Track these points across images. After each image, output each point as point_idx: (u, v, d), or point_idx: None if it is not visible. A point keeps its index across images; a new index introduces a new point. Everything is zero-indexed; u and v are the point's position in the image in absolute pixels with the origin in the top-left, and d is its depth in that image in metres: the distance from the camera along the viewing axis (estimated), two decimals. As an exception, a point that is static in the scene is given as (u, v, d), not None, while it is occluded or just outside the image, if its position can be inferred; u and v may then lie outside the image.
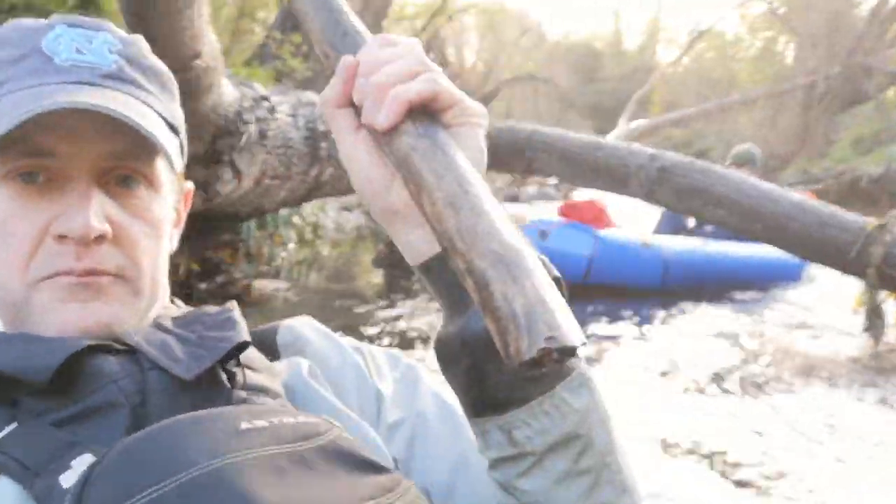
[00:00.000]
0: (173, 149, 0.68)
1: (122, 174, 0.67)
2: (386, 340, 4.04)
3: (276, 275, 5.40)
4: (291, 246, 6.07)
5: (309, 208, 6.40)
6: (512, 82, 24.07)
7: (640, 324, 4.65)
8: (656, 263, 5.37)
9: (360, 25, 0.71)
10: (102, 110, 0.62)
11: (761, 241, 4.34)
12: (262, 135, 4.02)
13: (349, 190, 5.54)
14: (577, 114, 24.57)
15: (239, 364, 0.64)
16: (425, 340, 4.12)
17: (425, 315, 4.65)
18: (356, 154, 0.63)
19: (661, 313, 4.95)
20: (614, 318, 4.74)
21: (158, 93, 0.71)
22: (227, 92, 3.63)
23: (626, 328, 4.56)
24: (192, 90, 3.20)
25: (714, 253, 5.67)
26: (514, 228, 0.54)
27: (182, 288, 4.33)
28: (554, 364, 0.48)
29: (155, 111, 0.68)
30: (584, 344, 0.48)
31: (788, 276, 5.77)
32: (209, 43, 3.02)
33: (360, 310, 4.70)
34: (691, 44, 20.07)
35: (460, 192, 0.55)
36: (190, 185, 0.79)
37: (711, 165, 4.70)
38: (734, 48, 21.93)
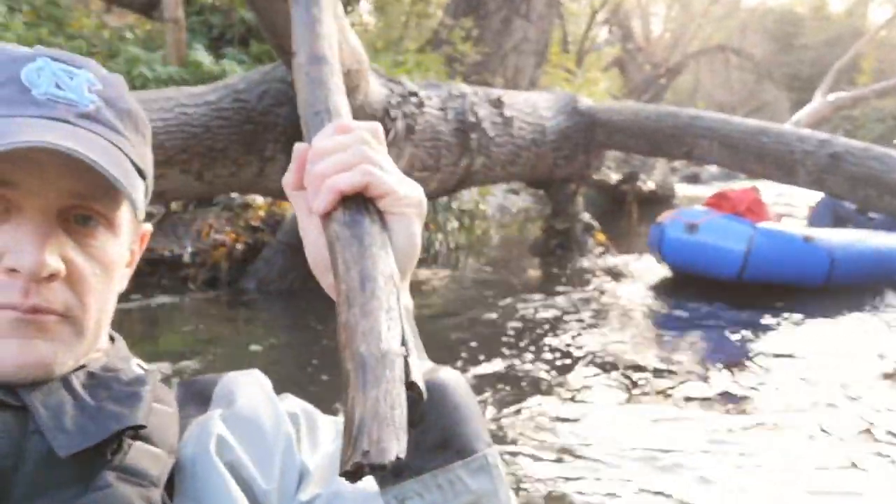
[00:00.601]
0: (138, 194, 0.69)
1: (83, 214, 0.67)
2: (529, 333, 4.05)
3: (433, 261, 5.54)
4: (449, 233, 6.20)
5: (469, 194, 6.49)
6: (700, 54, 22.95)
7: (802, 326, 4.36)
8: (821, 259, 4.98)
9: (336, 104, 0.77)
10: (73, 154, 0.62)
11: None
12: (410, 129, 4.14)
13: (502, 179, 5.59)
14: (774, 85, 23.04)
15: (131, 439, 0.65)
16: (572, 334, 4.10)
17: (576, 310, 4.62)
18: (309, 233, 0.68)
19: (826, 314, 4.62)
20: (773, 319, 4.46)
21: (132, 136, 0.72)
22: (374, 90, 3.77)
23: (786, 331, 4.28)
24: (334, 93, 3.35)
25: (886, 247, 5.24)
26: (398, 331, 0.57)
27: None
28: (372, 473, 0.50)
29: (126, 155, 0.69)
30: (398, 459, 0.49)
31: None
32: (349, 47, 3.15)
33: (511, 300, 4.73)
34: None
35: (358, 288, 0.59)
36: (148, 227, 0.79)
37: (890, 151, 4.30)
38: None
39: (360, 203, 0.65)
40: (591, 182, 6.62)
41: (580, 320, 4.32)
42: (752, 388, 3.29)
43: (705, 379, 3.42)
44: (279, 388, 0.78)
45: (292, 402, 0.77)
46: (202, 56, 5.61)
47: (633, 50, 22.44)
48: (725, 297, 4.74)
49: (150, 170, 0.75)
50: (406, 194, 0.66)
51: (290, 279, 4.48)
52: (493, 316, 4.37)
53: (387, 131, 3.93)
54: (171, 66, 5.33)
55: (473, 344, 3.79)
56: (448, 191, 5.00)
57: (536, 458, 2.62)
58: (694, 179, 12.70)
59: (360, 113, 3.71)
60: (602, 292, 5.02)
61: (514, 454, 2.64)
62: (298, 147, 0.68)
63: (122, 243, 0.72)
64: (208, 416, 0.71)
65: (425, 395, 0.56)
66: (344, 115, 0.76)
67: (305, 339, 3.82)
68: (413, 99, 4.19)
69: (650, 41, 24.73)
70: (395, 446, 0.50)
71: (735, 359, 3.72)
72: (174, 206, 4.87)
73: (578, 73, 15.44)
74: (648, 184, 8.38)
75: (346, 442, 0.51)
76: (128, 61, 5.18)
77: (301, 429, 0.74)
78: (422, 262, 5.31)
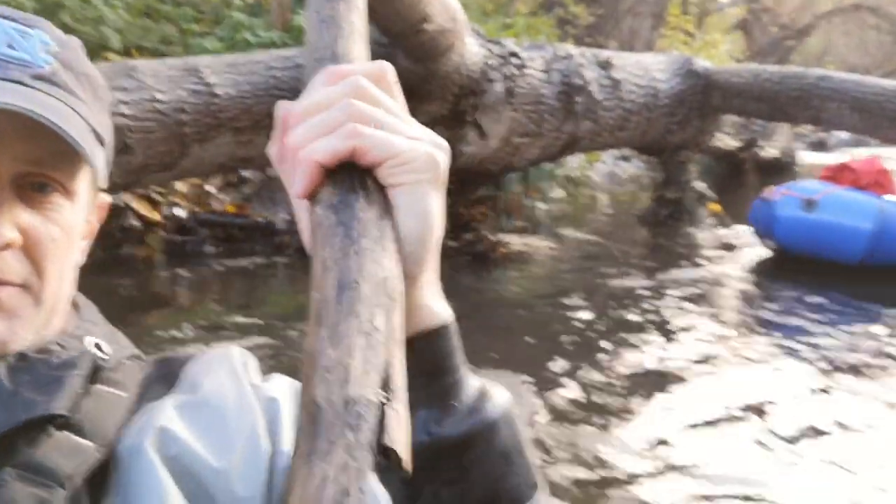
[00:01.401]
0: (99, 160, 0.64)
1: (40, 182, 0.62)
2: (632, 310, 3.83)
3: (534, 231, 5.36)
4: (553, 200, 6.00)
5: (575, 160, 6.26)
6: (832, 14, 21.55)
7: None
8: None
9: (346, 50, 0.61)
10: (30, 114, 0.57)
11: None
12: (510, 92, 3.96)
13: (609, 145, 5.34)
14: (914, 47, 21.38)
15: (56, 428, 0.57)
16: (682, 305, 3.86)
17: (680, 288, 4.34)
18: (300, 216, 0.53)
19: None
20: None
21: (90, 101, 0.65)
22: (471, 51, 3.61)
23: None
24: (427, 53, 3.22)
25: None
26: (380, 367, 0.40)
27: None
28: None
29: (84, 120, 0.63)
30: None
31: None
32: (441, 5, 3.00)
33: (611, 274, 4.50)
34: None
35: (333, 299, 0.43)
36: (107, 197, 0.72)
37: None
38: None
39: (353, 178, 0.49)
40: (707, 149, 6.23)
41: (683, 301, 4.01)
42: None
43: (820, 374, 3.12)
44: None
45: (276, 385, 0.66)
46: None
47: (758, 10, 21.28)
48: (847, 282, 4.23)
49: (110, 138, 0.68)
50: (412, 157, 0.50)
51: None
52: (587, 293, 4.14)
53: (484, 94, 3.80)
54: (275, 32, 5.32)
55: (562, 325, 3.59)
56: (551, 157, 4.80)
57: (622, 447, 2.44)
58: (820, 146, 11.91)
59: (456, 75, 3.57)
60: (711, 269, 4.69)
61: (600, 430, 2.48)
62: (278, 109, 0.53)
63: (80, 212, 0.66)
64: (160, 403, 0.62)
65: (409, 468, 0.39)
66: (357, 62, 0.59)
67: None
68: (514, 60, 4.01)
69: (778, 1, 23.39)
70: None
71: (857, 359, 3.33)
72: (270, 172, 4.88)
73: (698, 36, 14.75)
74: (769, 150, 7.86)
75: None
76: (231, 27, 5.21)
77: (281, 414, 0.63)
78: (521, 231, 5.15)
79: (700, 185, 5.86)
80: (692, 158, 5.68)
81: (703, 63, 5.31)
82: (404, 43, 3.06)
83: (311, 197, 0.49)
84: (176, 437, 0.59)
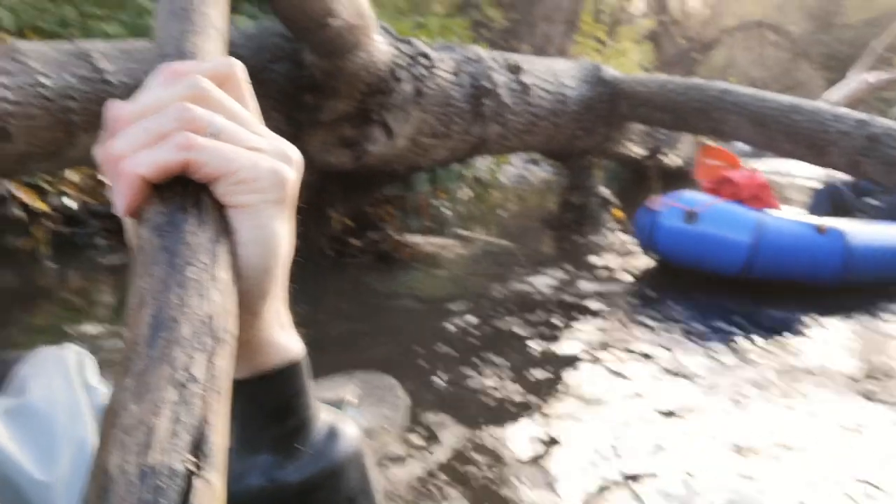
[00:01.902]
0: None
1: None
2: (525, 314, 3.85)
3: (441, 231, 5.34)
4: (461, 201, 5.99)
5: (484, 162, 6.27)
6: (736, 30, 22.41)
7: (816, 328, 3.98)
8: (835, 253, 4.44)
9: (195, 47, 0.55)
10: None
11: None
12: (419, 93, 3.92)
13: (517, 149, 5.36)
14: (809, 65, 22.42)
15: None
16: (575, 310, 3.89)
17: (578, 284, 4.40)
18: (129, 227, 0.46)
19: (843, 315, 4.20)
20: (782, 321, 4.04)
21: None
22: (379, 49, 3.55)
23: (797, 334, 3.88)
24: (333, 49, 3.15)
25: None
26: (192, 427, 0.34)
27: (335, 243, 4.38)
28: None
29: None
30: None
31: None
32: (348, 1, 2.93)
33: (512, 274, 4.53)
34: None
35: (144, 343, 0.36)
36: None
37: (932, 136, 4.02)
38: None
39: (185, 195, 0.43)
40: (613, 155, 6.34)
41: (575, 305, 4.06)
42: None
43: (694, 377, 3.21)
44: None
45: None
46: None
47: (667, 23, 21.92)
48: (729, 291, 4.35)
49: None
50: (254, 175, 0.44)
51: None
52: (485, 296, 4.16)
53: (392, 93, 3.74)
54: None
55: (453, 327, 3.59)
56: (459, 159, 4.78)
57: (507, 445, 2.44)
58: (752, 155, 12.30)
59: (363, 72, 3.50)
60: (609, 274, 4.77)
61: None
62: (107, 106, 0.46)
63: None
64: None
65: None
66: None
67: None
68: (424, 60, 3.96)
69: (686, 14, 24.15)
70: None
71: (735, 363, 3.45)
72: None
73: (610, 44, 15.06)
74: (673, 159, 8.08)
75: None
76: (137, 12, 5.00)
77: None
78: (428, 232, 5.12)
79: (605, 191, 5.96)
80: (598, 164, 5.77)
81: (611, 72, 5.39)
82: (309, 38, 2.98)
83: (136, 215, 0.43)
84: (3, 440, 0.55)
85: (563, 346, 3.44)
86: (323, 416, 0.50)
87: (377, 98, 3.66)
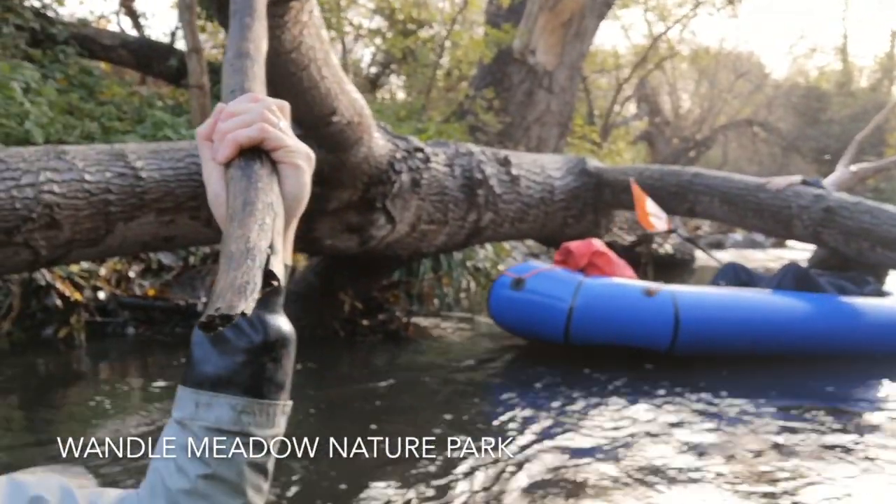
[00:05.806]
0: None
1: None
2: (529, 394, 4.14)
3: (446, 315, 5.68)
4: (464, 289, 6.35)
5: (484, 252, 6.67)
6: (727, 128, 23.25)
7: (631, 405, 3.57)
8: (665, 318, 4.17)
9: (249, 87, 0.95)
10: None
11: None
12: (416, 183, 4.36)
13: (512, 235, 5.77)
14: (801, 159, 23.16)
15: None
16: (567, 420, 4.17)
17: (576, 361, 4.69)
18: (210, 176, 0.83)
19: (666, 391, 3.81)
20: (596, 395, 3.71)
21: None
22: (378, 144, 4.00)
23: (610, 413, 3.47)
24: (337, 143, 3.59)
25: (753, 305, 4.41)
26: (267, 238, 0.70)
27: (347, 324, 4.74)
28: (221, 325, 0.65)
29: None
30: (242, 315, 0.63)
31: None
32: (348, 101, 3.39)
33: (504, 360, 4.83)
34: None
35: (240, 209, 0.74)
36: None
37: (881, 205, 4.43)
38: None
39: (255, 153, 0.80)
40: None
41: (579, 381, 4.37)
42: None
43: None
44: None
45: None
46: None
47: (661, 124, 22.83)
48: (551, 361, 4.20)
49: None
50: (297, 149, 0.81)
51: (302, 326, 4.66)
52: (481, 372, 4.45)
53: (392, 184, 4.18)
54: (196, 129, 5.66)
55: (458, 400, 3.87)
56: (457, 245, 5.18)
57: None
58: (718, 246, 12.75)
59: (365, 164, 3.94)
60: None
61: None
62: (219, 106, 0.84)
63: None
64: None
65: (282, 284, 0.71)
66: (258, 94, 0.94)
67: (308, 381, 3.97)
68: (419, 154, 4.42)
69: (678, 115, 25.12)
70: (242, 305, 0.64)
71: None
72: (192, 259, 5.12)
73: (603, 145, 15.73)
74: (665, 247, 8.48)
75: (207, 306, 0.67)
76: (154, 125, 5.52)
77: None
78: (432, 314, 5.47)
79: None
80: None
81: (594, 163, 5.86)
82: (316, 133, 3.42)
83: (227, 165, 0.80)
84: None
85: (557, 423, 3.72)
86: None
87: (379, 188, 4.09)
